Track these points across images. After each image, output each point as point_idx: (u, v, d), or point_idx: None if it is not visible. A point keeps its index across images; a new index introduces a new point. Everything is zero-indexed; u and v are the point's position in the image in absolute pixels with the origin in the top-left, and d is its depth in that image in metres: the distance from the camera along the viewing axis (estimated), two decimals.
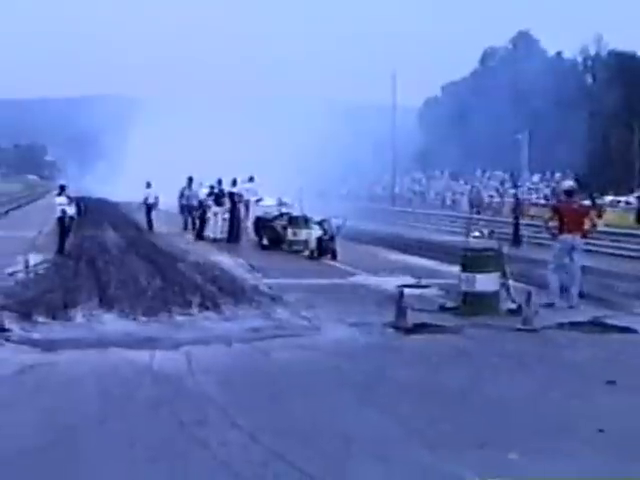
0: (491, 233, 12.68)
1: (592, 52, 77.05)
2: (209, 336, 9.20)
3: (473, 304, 10.78)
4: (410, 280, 13.69)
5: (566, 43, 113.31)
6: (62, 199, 19.56)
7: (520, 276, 12.86)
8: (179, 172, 27.56)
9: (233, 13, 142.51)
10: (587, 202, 22.88)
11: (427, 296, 12.21)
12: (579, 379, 7.60)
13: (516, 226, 24.12)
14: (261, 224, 21.87)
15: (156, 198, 27.10)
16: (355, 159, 40.36)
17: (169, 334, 9.30)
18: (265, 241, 21.09)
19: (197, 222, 24.82)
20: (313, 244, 18.77)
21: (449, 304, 11.23)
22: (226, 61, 61.07)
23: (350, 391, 7.03)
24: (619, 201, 51.82)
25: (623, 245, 21.62)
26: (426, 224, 33.00)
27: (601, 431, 5.88)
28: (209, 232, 23.79)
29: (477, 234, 12.50)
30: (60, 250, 18.07)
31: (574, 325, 10.14)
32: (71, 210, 19.49)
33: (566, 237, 11.88)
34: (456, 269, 11.83)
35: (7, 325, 9.43)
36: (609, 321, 10.46)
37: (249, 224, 23.51)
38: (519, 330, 9.78)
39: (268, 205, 23.51)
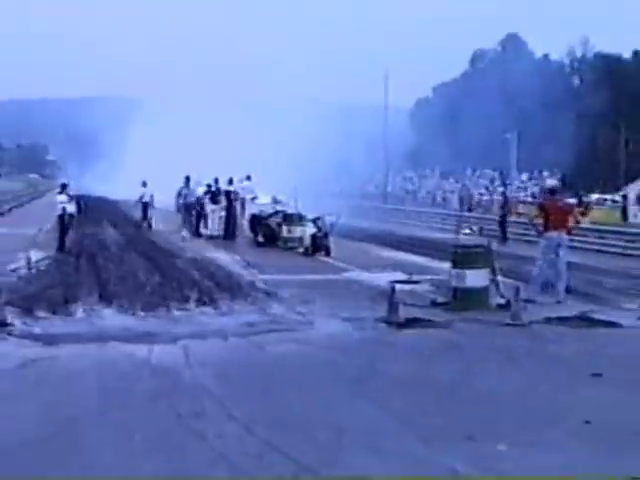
0: (481, 230, 12.85)
1: (579, 54, 77.80)
2: (206, 330, 9.30)
3: (463, 299, 10.94)
4: (402, 276, 13.84)
5: (553, 45, 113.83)
6: (63, 197, 19.62)
7: (509, 272, 13.02)
8: (177, 171, 27.60)
9: (231, 14, 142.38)
10: (572, 200, 23.11)
11: (418, 292, 12.35)
12: (566, 372, 7.71)
13: (502, 223, 24.35)
14: (256, 221, 21.97)
15: (151, 197, 27.17)
16: (348, 158, 40.35)
17: (167, 329, 9.39)
18: (260, 238, 21.18)
19: (194, 220, 24.94)
20: (307, 241, 18.90)
21: (440, 299, 11.35)
22: (223, 62, 60.92)
23: (344, 384, 7.11)
24: (605, 199, 52.15)
25: (609, 242, 21.81)
26: (417, 222, 32.96)
27: (587, 423, 5.99)
28: (205, 229, 23.91)
29: (467, 231, 12.68)
30: (61, 247, 18.12)
31: (561, 320, 10.27)
32: (71, 208, 19.56)
33: (552, 234, 12.02)
34: (447, 265, 11.96)
35: (9, 320, 9.52)
36: (596, 316, 10.59)
37: (245, 221, 23.62)
38: (508, 325, 9.92)
39: (263, 203, 23.60)
